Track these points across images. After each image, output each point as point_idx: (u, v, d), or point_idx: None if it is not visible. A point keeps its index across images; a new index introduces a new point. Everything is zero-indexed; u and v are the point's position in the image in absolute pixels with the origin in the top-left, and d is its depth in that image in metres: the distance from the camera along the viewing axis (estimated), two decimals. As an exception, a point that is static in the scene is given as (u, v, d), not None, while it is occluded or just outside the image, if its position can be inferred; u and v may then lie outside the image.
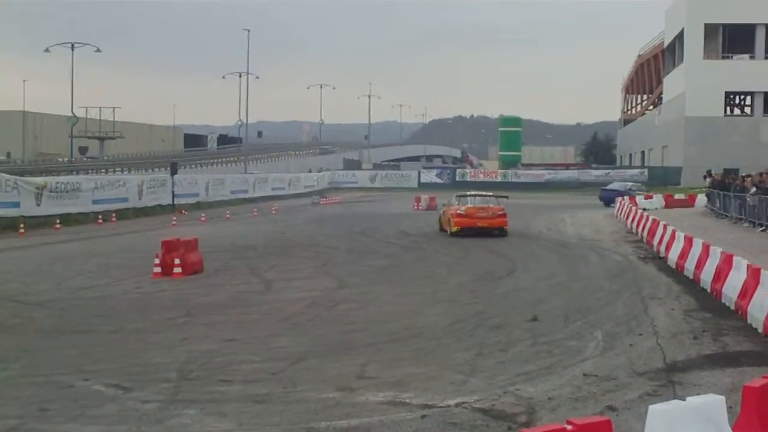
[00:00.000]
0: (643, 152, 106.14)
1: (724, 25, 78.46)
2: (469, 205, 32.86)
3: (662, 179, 77.80)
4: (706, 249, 18.97)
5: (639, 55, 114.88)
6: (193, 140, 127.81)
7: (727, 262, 16.79)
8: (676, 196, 52.04)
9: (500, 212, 32.47)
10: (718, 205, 40.18)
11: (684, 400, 6.32)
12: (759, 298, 13.86)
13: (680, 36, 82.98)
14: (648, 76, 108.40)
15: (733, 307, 15.22)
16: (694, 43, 79.33)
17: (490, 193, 36.66)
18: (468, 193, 36.55)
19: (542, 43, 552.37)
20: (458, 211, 32.33)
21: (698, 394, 8.76)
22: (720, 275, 16.84)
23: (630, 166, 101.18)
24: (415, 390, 10.28)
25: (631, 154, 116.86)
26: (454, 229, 31.71)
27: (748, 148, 72.37)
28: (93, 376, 11.19)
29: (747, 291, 14.63)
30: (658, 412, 6.00)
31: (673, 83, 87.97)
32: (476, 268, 22.50)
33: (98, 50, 73.00)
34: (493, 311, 15.82)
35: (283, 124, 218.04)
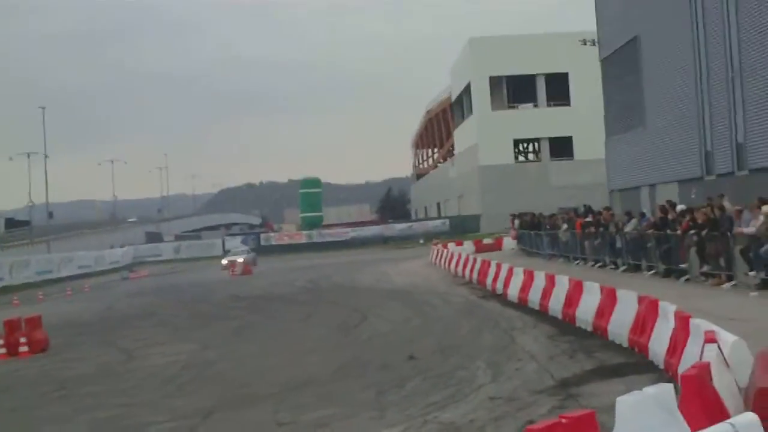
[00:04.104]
0: (438, 204, 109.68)
1: (507, 77, 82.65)
2: None
3: (462, 227, 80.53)
4: (551, 279, 20.12)
5: (427, 111, 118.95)
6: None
7: (576, 288, 17.93)
8: (484, 241, 54.09)
9: None
10: (529, 244, 42.27)
11: (641, 390, 6.98)
12: (617, 316, 14.92)
13: (467, 90, 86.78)
14: (438, 130, 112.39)
15: (590, 329, 16.22)
16: (482, 96, 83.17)
17: None
18: None
19: (322, 106, 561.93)
20: None
21: (601, 403, 9.55)
22: (571, 301, 17.93)
23: (427, 218, 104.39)
24: (338, 429, 10.57)
25: (426, 207, 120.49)
26: None
27: (540, 191, 75.90)
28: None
29: (604, 311, 15.69)
30: (625, 402, 6.59)
31: (464, 135, 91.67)
32: (328, 321, 22.80)
33: None
34: (369, 355, 16.23)
35: (73, 203, 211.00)
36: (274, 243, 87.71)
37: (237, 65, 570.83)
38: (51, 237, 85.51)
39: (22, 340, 20.80)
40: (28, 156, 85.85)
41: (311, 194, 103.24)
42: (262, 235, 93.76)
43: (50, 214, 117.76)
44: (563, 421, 6.34)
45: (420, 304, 25.12)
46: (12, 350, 20.64)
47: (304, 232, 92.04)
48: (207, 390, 14.07)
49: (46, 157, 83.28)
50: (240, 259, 56.69)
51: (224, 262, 58.60)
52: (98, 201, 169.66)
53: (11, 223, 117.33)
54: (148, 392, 14.29)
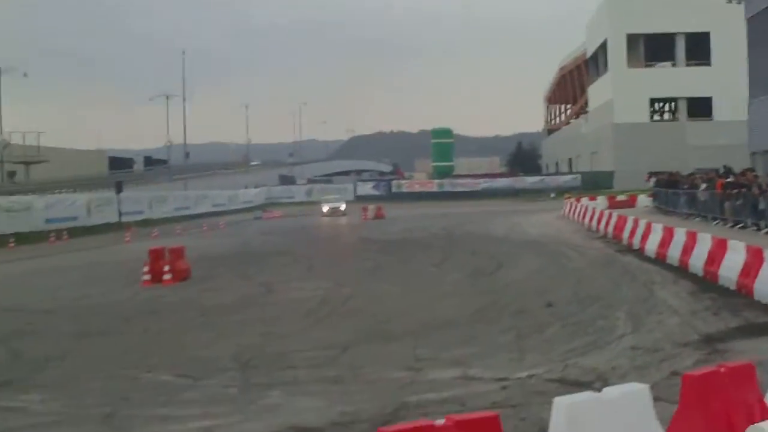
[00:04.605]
0: (570, 159, 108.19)
1: (646, 35, 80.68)
2: None
3: (594, 184, 79.46)
4: (692, 236, 19.68)
5: (561, 67, 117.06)
6: (119, 163, 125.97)
7: (720, 245, 17.49)
8: (618, 198, 53.25)
9: None
10: (665, 202, 41.34)
11: (599, 391, 6.01)
12: (765, 275, 14.50)
13: (603, 47, 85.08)
14: (571, 86, 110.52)
15: (734, 287, 15.81)
16: (618, 53, 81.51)
17: None
18: None
19: (456, 59, 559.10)
20: None
21: (747, 360, 9.30)
22: (714, 259, 17.50)
23: (558, 173, 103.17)
24: (479, 367, 10.60)
25: (557, 162, 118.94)
26: None
27: (676, 151, 74.30)
28: (152, 369, 11.29)
29: (750, 270, 15.27)
30: (563, 405, 5.62)
31: (598, 92, 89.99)
32: (463, 267, 22.86)
33: (26, 75, 72.46)
34: (506, 300, 16.23)
35: (207, 145, 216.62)
36: (404, 190, 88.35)
37: (372, 12, 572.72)
38: (188, 175, 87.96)
39: (166, 268, 21.62)
40: (167, 98, 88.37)
41: (443, 144, 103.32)
42: (393, 182, 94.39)
43: (187, 155, 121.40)
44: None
45: (555, 254, 24.93)
46: (156, 277, 21.48)
47: (436, 181, 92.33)
48: (346, 324, 14.34)
49: (184, 100, 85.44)
50: (342, 206, 60.92)
51: (324, 209, 61.19)
52: (232, 144, 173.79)
53: (150, 161, 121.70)
54: (288, 324, 14.62)
